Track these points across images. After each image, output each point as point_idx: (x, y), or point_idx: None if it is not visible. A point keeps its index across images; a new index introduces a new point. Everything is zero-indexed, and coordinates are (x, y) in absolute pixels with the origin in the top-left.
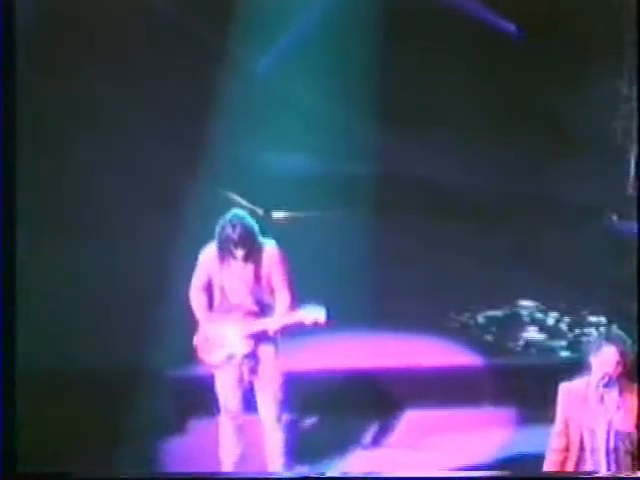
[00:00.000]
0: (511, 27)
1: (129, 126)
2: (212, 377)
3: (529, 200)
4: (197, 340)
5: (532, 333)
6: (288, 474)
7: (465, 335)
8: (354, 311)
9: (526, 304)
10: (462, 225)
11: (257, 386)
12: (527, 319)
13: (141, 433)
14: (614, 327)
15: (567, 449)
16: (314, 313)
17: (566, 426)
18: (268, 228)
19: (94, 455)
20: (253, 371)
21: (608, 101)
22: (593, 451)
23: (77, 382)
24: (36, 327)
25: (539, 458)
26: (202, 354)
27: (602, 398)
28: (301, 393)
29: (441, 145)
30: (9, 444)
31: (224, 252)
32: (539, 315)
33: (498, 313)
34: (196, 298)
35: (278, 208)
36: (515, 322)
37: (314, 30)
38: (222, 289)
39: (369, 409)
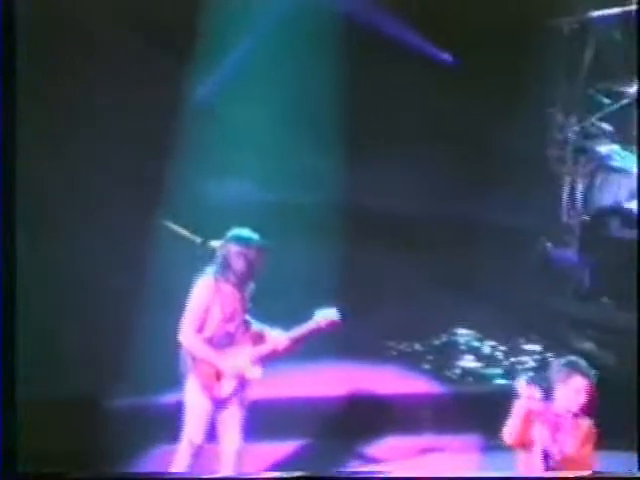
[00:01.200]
0: (448, 57)
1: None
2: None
3: (466, 228)
4: (200, 376)
5: (468, 361)
6: (288, 474)
7: (402, 363)
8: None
9: (463, 332)
10: (398, 253)
11: (225, 414)
12: (464, 347)
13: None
14: (578, 358)
15: None
16: (328, 315)
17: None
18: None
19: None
20: (228, 400)
21: (543, 129)
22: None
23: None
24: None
25: None
26: (209, 389)
27: (559, 426)
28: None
29: (378, 172)
30: (9, 444)
31: (223, 278)
32: (475, 343)
33: (435, 341)
34: (195, 339)
35: (219, 237)
36: (452, 350)
37: (261, 57)
38: (222, 319)
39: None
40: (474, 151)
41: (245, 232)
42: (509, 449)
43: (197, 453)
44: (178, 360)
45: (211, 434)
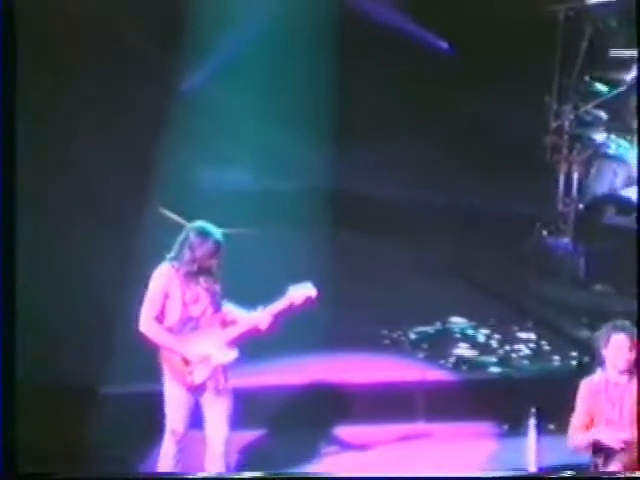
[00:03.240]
0: (444, 44)
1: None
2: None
3: (461, 215)
4: (169, 365)
5: (463, 349)
6: (288, 474)
7: (396, 351)
8: (288, 331)
9: (457, 320)
10: (392, 241)
11: (206, 401)
12: (458, 335)
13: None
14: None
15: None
16: (304, 290)
17: (590, 420)
18: None
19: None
20: (204, 387)
21: (539, 118)
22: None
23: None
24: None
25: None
26: (180, 377)
27: (617, 385)
28: (248, 409)
29: (374, 160)
30: (9, 444)
31: (185, 266)
32: (470, 331)
33: (429, 329)
34: (154, 326)
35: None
36: (446, 338)
37: (249, 45)
38: (183, 304)
39: (304, 425)
40: (469, 139)
41: (206, 228)
42: (503, 437)
43: (181, 442)
44: None
45: (197, 422)
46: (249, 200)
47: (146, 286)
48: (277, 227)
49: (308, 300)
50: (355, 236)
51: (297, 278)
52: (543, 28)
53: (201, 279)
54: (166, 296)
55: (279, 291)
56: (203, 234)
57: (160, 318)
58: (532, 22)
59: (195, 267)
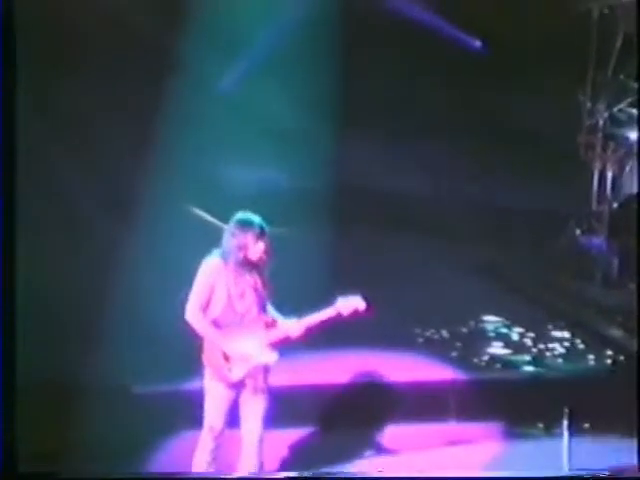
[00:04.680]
0: (477, 43)
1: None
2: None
3: (494, 214)
4: (209, 359)
5: (496, 348)
6: (287, 474)
7: (430, 350)
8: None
9: (490, 319)
10: (427, 240)
11: (244, 399)
12: (492, 334)
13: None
14: None
15: None
16: (353, 302)
17: None
18: None
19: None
20: (242, 384)
21: (573, 116)
22: None
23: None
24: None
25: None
26: (219, 373)
27: None
28: (282, 408)
29: (410, 159)
30: (9, 444)
31: (232, 259)
32: (503, 330)
33: (463, 328)
34: (200, 318)
35: None
36: (480, 337)
37: (279, 44)
38: (228, 298)
39: (340, 424)
40: (504, 138)
41: (247, 216)
42: (537, 437)
43: (218, 439)
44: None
45: (234, 420)
46: (280, 199)
47: (179, 283)
48: (310, 226)
49: (355, 312)
50: (389, 235)
51: (331, 278)
52: (577, 25)
53: (248, 275)
54: (212, 289)
55: (313, 289)
56: (244, 222)
57: (205, 310)
58: (566, 19)
59: (241, 256)
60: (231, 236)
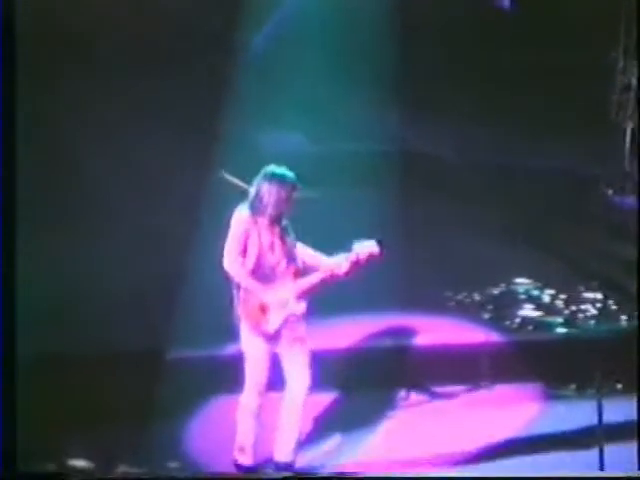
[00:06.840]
0: (506, 1)
1: (125, 116)
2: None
3: (524, 176)
4: (245, 310)
5: (528, 310)
6: (288, 474)
7: (462, 313)
8: (355, 292)
9: (522, 281)
10: (458, 203)
11: (284, 352)
12: (523, 296)
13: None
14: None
15: None
16: (367, 247)
17: None
18: None
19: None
20: (279, 335)
21: (605, 74)
22: None
23: (82, 367)
24: (37, 315)
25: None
26: (256, 325)
27: None
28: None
29: (439, 122)
30: (9, 444)
31: (266, 212)
32: (535, 292)
33: (494, 291)
34: (239, 265)
35: None
36: (511, 299)
37: (312, 9)
38: (260, 249)
39: (371, 387)
40: (534, 98)
41: (283, 171)
42: (568, 398)
43: (262, 395)
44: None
45: (276, 382)
46: (311, 163)
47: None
48: (341, 190)
49: (371, 257)
50: (420, 199)
51: (362, 240)
52: None
53: (276, 228)
54: (247, 238)
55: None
56: (282, 177)
57: (243, 258)
58: None
59: (277, 211)
60: (267, 191)
